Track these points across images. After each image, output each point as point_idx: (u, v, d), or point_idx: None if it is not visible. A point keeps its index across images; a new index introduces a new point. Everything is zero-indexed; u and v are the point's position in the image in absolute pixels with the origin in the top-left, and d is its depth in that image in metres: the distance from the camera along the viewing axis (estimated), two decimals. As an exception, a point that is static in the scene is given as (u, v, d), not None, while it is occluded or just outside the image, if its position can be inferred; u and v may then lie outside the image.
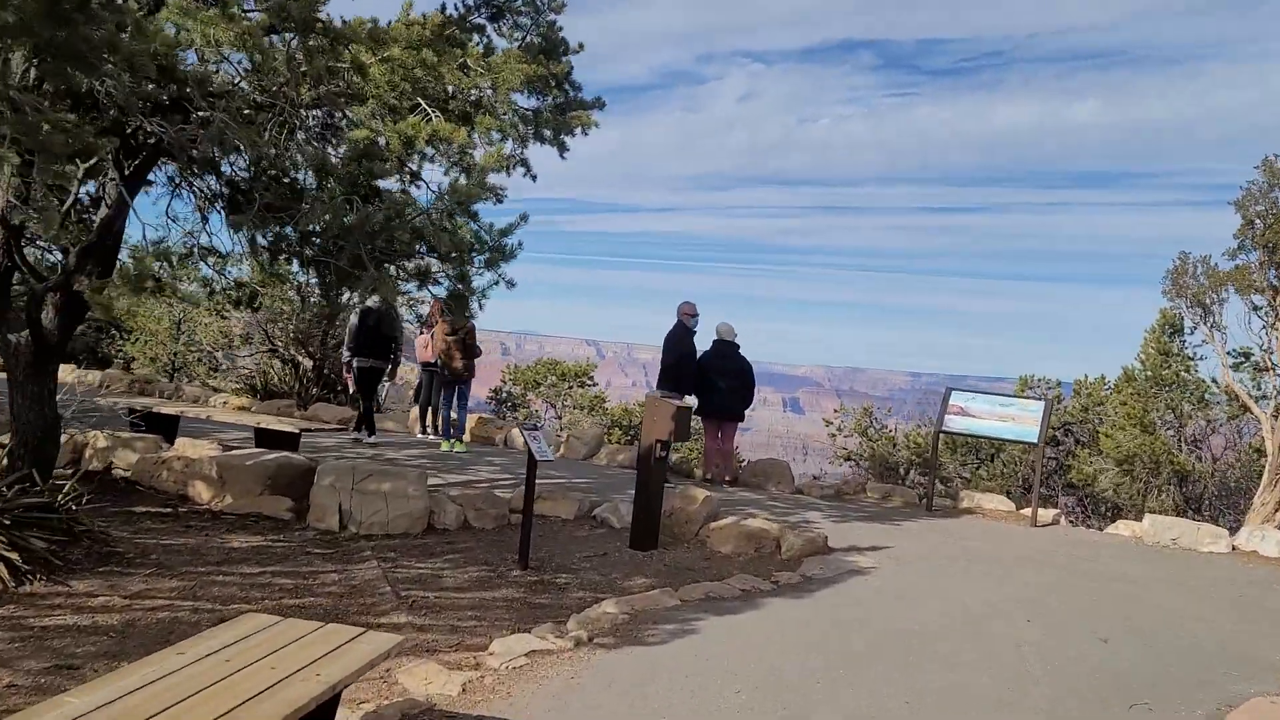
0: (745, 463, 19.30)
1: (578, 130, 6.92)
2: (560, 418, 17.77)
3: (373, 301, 10.79)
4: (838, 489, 11.45)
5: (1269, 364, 10.83)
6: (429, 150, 6.19)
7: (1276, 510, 10.04)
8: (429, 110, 6.25)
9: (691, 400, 10.63)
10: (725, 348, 11.29)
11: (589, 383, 17.99)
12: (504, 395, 17.84)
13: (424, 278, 5.91)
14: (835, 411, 17.62)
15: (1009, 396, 11.08)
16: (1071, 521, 10.99)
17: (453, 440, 11.86)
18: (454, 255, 5.56)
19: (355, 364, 11.37)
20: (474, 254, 5.72)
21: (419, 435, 12.64)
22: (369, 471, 7.80)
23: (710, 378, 11.19)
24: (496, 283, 6.03)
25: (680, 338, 11.02)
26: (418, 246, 5.56)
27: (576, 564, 7.11)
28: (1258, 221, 9.86)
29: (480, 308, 6.07)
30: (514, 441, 12.75)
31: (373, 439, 11.46)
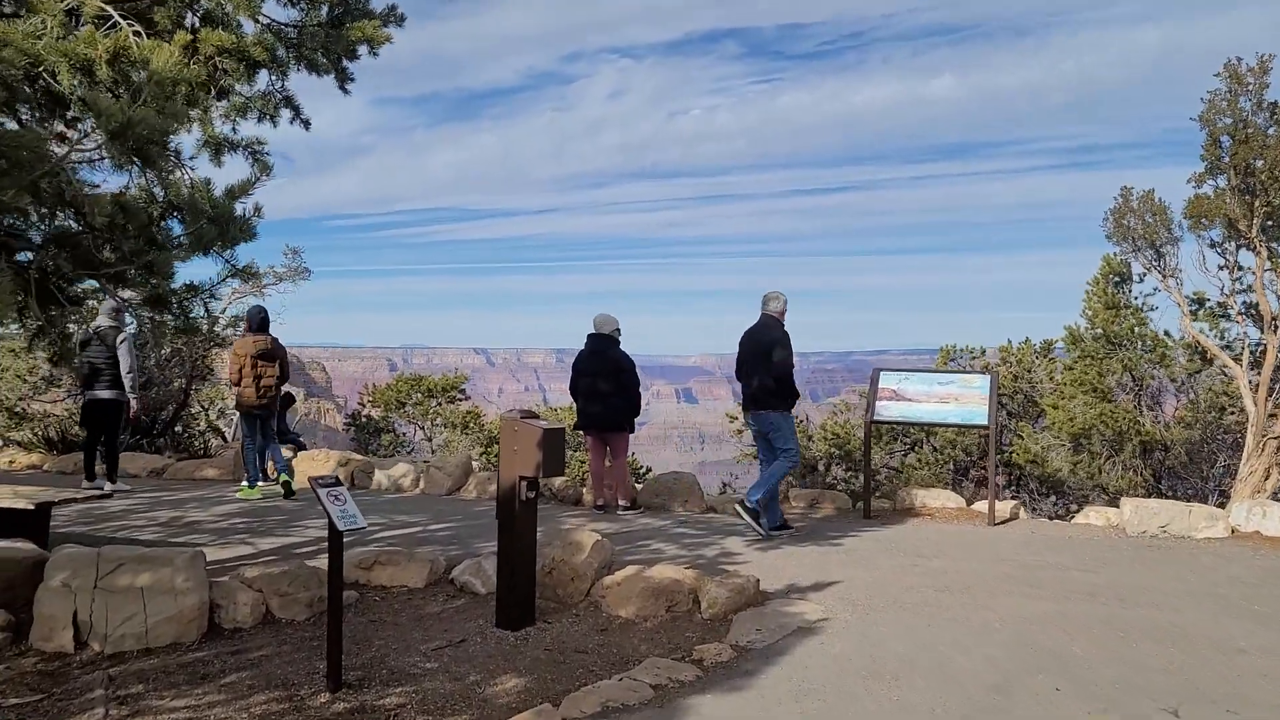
0: (646, 470, 17.46)
1: (363, 50, 4.78)
2: (430, 439, 15.49)
3: (103, 320, 8.62)
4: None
5: (1233, 308, 9.46)
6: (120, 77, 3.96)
7: (1266, 478, 8.63)
8: (120, 20, 4.03)
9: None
10: (599, 343, 9.20)
11: (459, 397, 15.76)
12: (362, 420, 15.45)
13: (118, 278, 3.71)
14: (738, 405, 15.81)
15: (947, 372, 9.41)
16: (1032, 512, 9.39)
17: (258, 484, 9.62)
18: (125, 229, 3.41)
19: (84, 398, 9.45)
20: (168, 228, 3.56)
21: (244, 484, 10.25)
22: (120, 559, 5.49)
23: (584, 382, 9.15)
24: (234, 273, 3.86)
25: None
26: (60, 216, 3.38)
27: (419, 664, 4.99)
28: (1225, 138, 8.40)
29: (207, 313, 3.89)
30: (365, 479, 10.47)
31: (109, 488, 9.04)
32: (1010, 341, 14.26)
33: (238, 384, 9.47)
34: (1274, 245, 8.43)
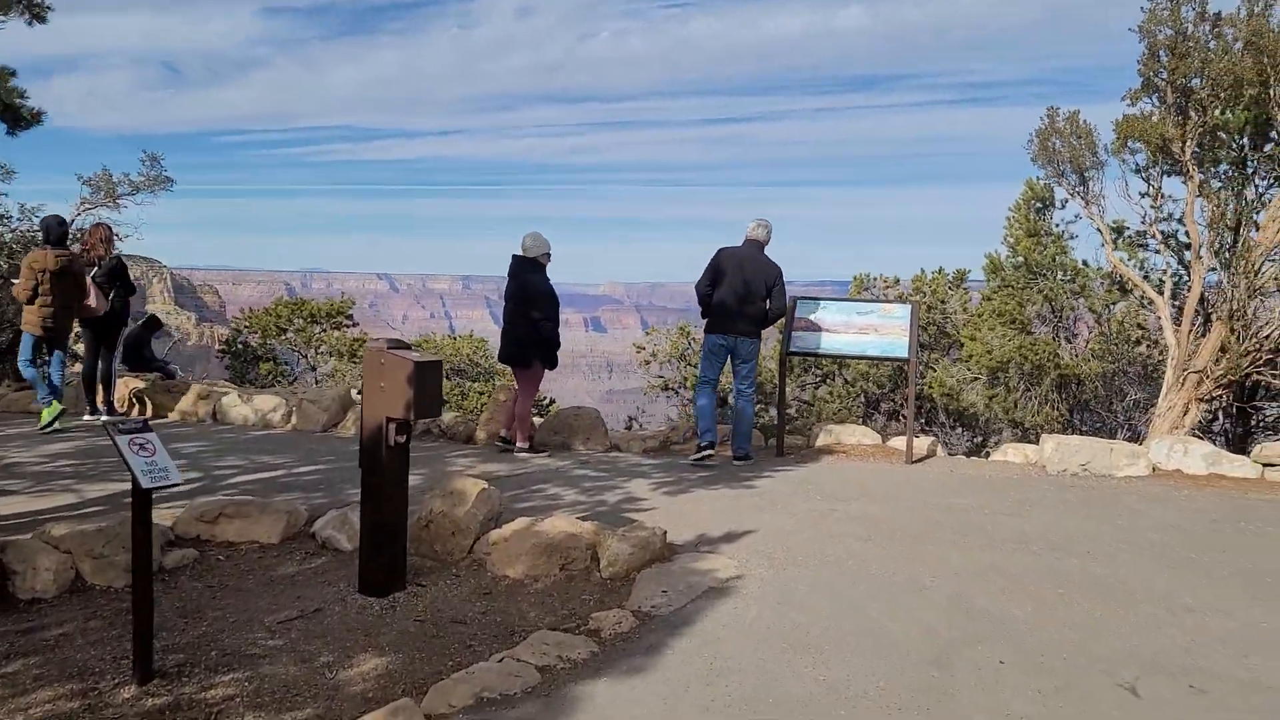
0: (550, 403, 16.72)
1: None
2: (314, 369, 14.38)
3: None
4: (664, 438, 8.92)
5: (1156, 238, 9.09)
6: None
7: (1185, 414, 8.35)
8: None
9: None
10: (517, 267, 8.34)
11: (346, 323, 14.63)
12: (237, 347, 14.20)
13: None
14: (646, 334, 15.13)
15: (866, 301, 8.83)
16: (947, 449, 8.97)
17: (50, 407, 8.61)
18: None
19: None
20: None
21: (86, 417, 9.11)
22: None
23: (506, 309, 8.42)
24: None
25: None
26: None
27: (261, 642, 4.17)
28: (1164, 53, 7.85)
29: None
30: (226, 413, 9.43)
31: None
32: (923, 271, 13.85)
33: (30, 302, 8.32)
34: (1207, 169, 8.03)
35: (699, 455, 8.06)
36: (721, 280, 8.07)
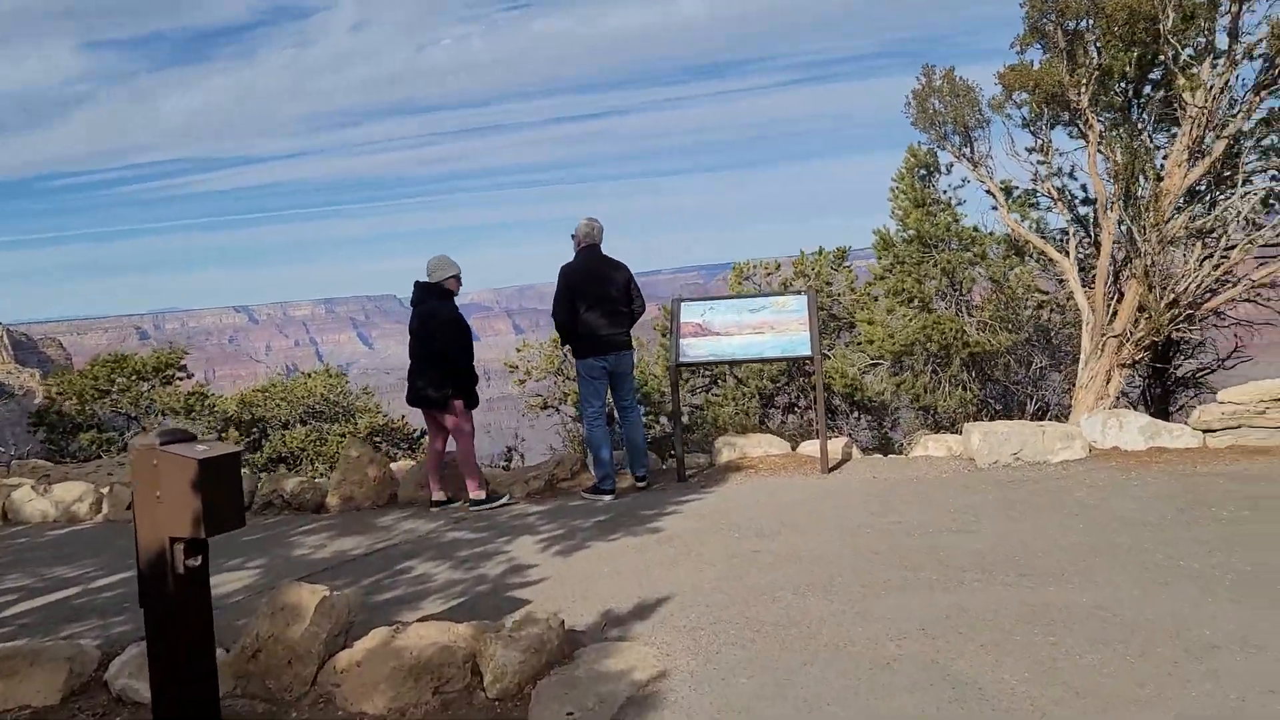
0: (419, 435, 15.34)
1: None
2: (146, 430, 12.66)
3: None
4: (549, 476, 7.82)
5: (1051, 194, 8.49)
6: None
7: (1108, 382, 7.76)
8: None
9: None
10: (419, 294, 7.34)
11: (179, 376, 12.93)
12: (51, 417, 12.34)
13: None
14: (519, 350, 13.93)
15: (757, 296, 7.93)
16: (860, 447, 8.16)
17: None
18: None
19: None
20: None
21: None
22: None
23: (411, 345, 7.39)
24: None
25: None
26: None
27: None
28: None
29: None
30: (19, 510, 7.85)
31: None
32: (803, 253, 13.12)
33: None
34: (1103, 117, 7.45)
35: (598, 495, 7.11)
36: (582, 301, 7.20)
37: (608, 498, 7.08)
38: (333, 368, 16.65)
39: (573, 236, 7.44)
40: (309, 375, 14.30)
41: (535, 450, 11.42)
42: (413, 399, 7.37)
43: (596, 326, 7.21)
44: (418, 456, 14.95)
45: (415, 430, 14.98)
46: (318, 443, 12.52)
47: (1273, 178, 8.17)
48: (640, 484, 7.40)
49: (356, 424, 14.00)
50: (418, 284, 7.28)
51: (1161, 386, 9.47)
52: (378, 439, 14.49)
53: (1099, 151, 7.66)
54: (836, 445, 7.74)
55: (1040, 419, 9.95)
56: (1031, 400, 9.73)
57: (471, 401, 7.33)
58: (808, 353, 7.28)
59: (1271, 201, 7.80)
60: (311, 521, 7.21)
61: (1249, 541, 4.89)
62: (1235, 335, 9.67)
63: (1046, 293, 9.92)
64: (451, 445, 7.41)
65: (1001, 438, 6.93)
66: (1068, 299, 9.45)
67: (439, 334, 7.11)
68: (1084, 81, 7.41)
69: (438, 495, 7.29)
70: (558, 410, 12.77)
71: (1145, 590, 4.32)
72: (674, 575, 5.08)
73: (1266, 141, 7.75)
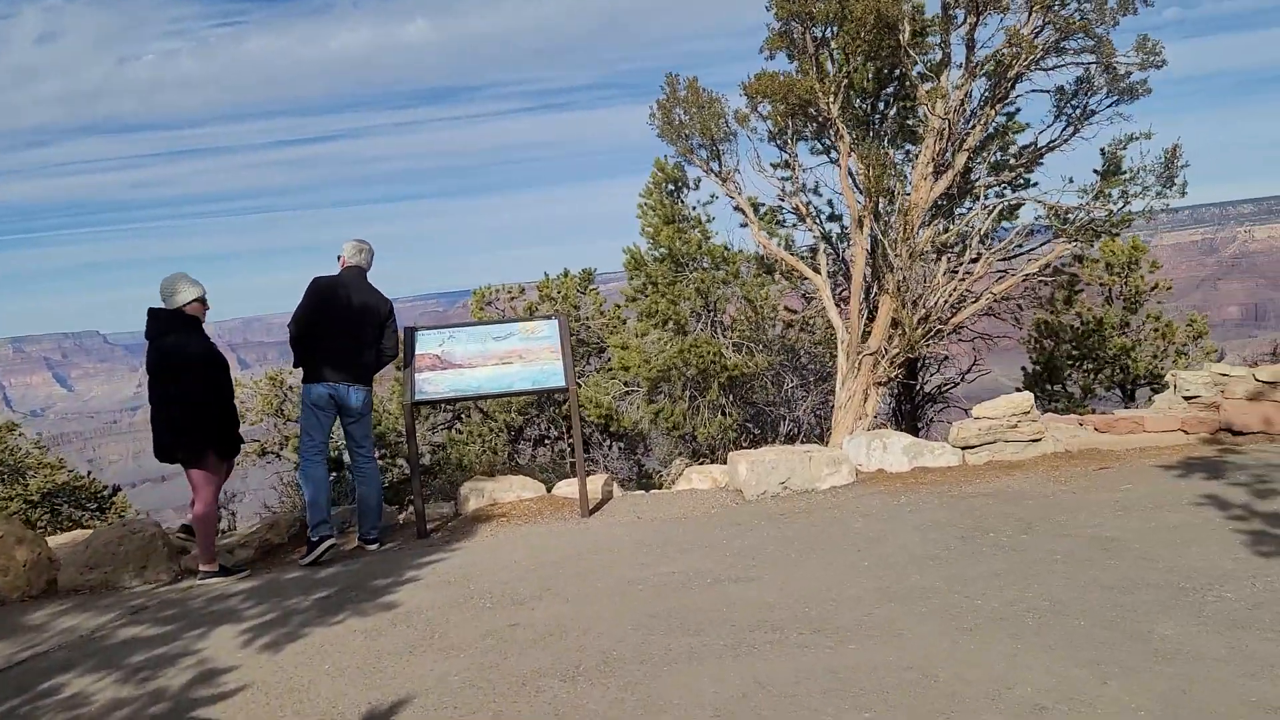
0: (113, 492, 13.22)
1: None
2: None
3: None
4: (260, 541, 6.55)
5: (801, 211, 8.27)
6: None
7: (865, 399, 7.56)
8: None
9: None
10: (163, 325, 6.00)
11: None
12: None
13: None
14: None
15: (502, 323, 7.06)
16: (621, 484, 7.51)
17: None
18: None
19: None
20: None
21: None
22: None
23: (152, 390, 6.04)
24: None
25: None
26: None
27: None
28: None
29: None
30: None
31: None
32: (547, 275, 12.44)
33: None
34: (854, 129, 7.27)
35: (313, 555, 5.98)
36: (323, 317, 6.19)
37: (325, 546, 6.03)
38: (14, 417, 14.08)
39: (338, 259, 6.39)
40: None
41: (250, 508, 9.90)
42: (164, 452, 5.99)
43: (332, 350, 6.18)
44: (108, 518, 12.79)
45: (105, 488, 12.85)
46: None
47: (998, 194, 8.37)
48: (371, 546, 6.35)
49: (27, 485, 11.76)
50: (154, 312, 5.94)
51: (911, 402, 9.58)
52: (58, 500, 12.30)
53: (849, 164, 7.50)
54: (596, 484, 7.03)
55: (792, 442, 9.77)
56: (784, 421, 9.53)
57: (230, 449, 6.16)
58: (561, 384, 6.52)
59: (1004, 215, 7.98)
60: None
61: (1035, 571, 4.61)
62: (973, 349, 10.01)
63: (795, 311, 9.79)
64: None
65: (769, 467, 6.49)
66: (817, 316, 9.36)
67: (188, 373, 5.85)
68: (833, 90, 7.23)
69: (208, 568, 6.01)
70: (278, 456, 11.26)
71: (954, 641, 3.86)
72: (414, 667, 4.10)
73: (996, 157, 7.93)
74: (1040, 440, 6.76)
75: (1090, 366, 10.45)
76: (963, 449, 6.77)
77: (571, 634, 4.32)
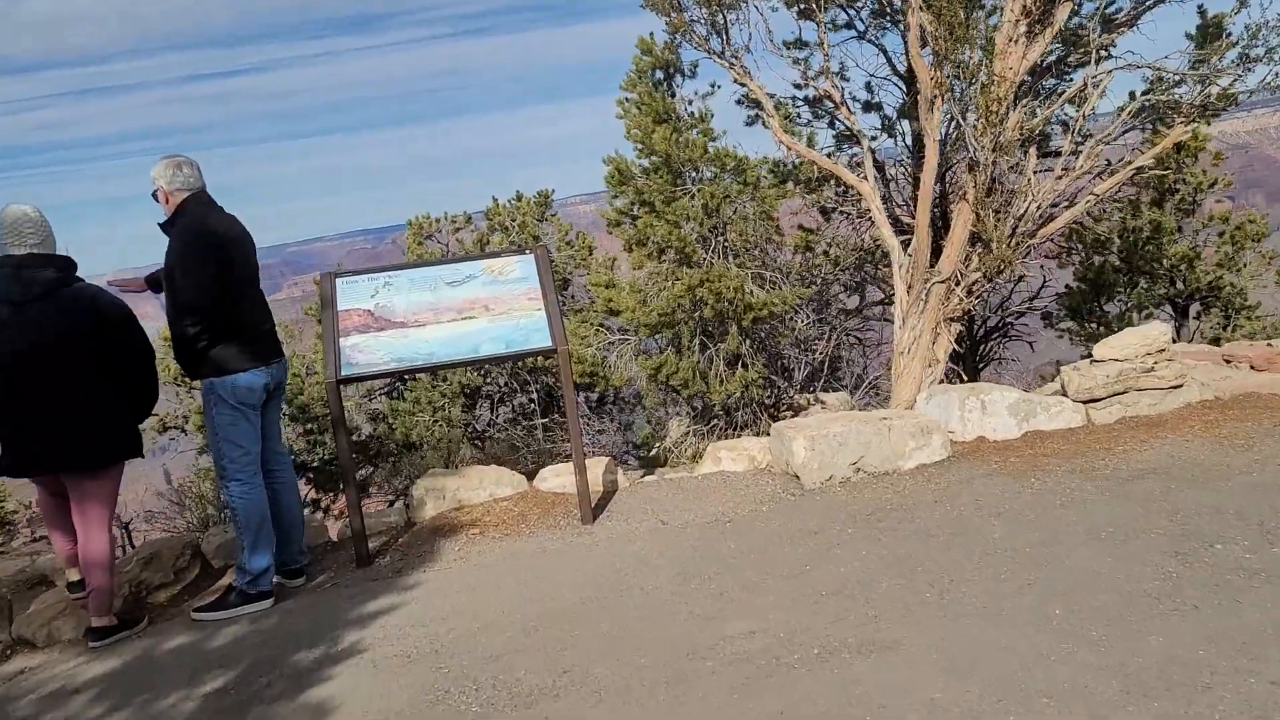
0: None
1: None
2: None
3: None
4: (137, 588, 4.66)
5: (832, 99, 6.42)
6: None
7: (934, 341, 5.87)
8: None
9: None
10: (22, 278, 3.96)
11: None
12: None
13: None
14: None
15: (461, 262, 5.15)
16: (621, 464, 5.74)
17: None
18: None
19: None
20: None
21: None
22: None
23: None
24: None
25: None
26: None
27: None
28: None
29: None
30: None
31: None
32: (496, 200, 10.42)
33: None
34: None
35: (240, 610, 4.20)
36: (236, 276, 4.25)
37: (263, 606, 4.23)
38: None
39: (155, 193, 4.26)
40: None
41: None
42: (37, 461, 4.03)
43: (258, 319, 4.35)
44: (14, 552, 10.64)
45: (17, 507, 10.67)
46: None
47: (1096, 61, 6.35)
48: (294, 581, 4.53)
49: None
50: (11, 262, 3.96)
51: (971, 338, 7.93)
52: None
53: (921, 20, 5.58)
54: (596, 470, 5.25)
55: (808, 391, 8.07)
56: (799, 367, 7.83)
57: (134, 446, 4.26)
58: (548, 344, 4.67)
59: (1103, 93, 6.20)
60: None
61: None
62: (1041, 268, 8.39)
63: (813, 231, 8.03)
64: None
65: (835, 443, 4.75)
66: (850, 234, 7.60)
67: (115, 331, 4.11)
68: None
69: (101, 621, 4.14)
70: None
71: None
72: None
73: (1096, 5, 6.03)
74: (1181, 386, 5.13)
75: (1143, 283, 8.90)
76: (1085, 403, 5.11)
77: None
